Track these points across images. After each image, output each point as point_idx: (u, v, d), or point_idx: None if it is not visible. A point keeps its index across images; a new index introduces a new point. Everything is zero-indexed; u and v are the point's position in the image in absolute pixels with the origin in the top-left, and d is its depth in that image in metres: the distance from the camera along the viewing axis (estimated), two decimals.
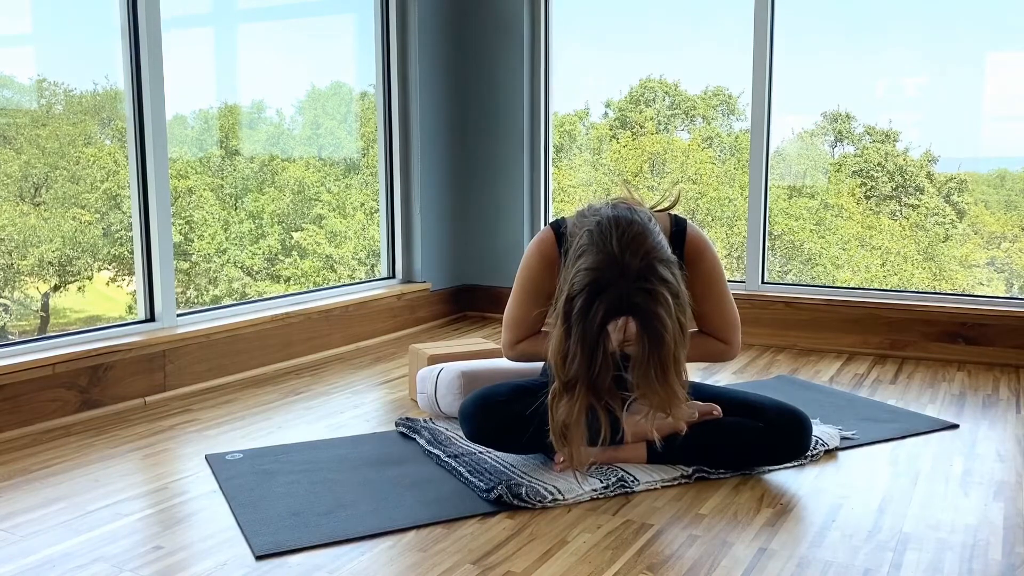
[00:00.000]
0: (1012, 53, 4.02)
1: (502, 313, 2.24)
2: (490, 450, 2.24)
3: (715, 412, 2.13)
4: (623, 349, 1.84)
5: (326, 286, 3.83)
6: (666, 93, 5.48)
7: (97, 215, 3.97)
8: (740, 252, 4.61)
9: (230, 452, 2.29)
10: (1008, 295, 3.98)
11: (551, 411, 1.88)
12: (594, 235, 1.83)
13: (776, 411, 2.13)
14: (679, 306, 1.80)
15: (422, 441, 2.34)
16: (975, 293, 4.02)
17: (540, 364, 2.51)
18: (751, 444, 2.11)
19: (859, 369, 3.24)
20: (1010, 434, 2.47)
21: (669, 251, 1.84)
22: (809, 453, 2.23)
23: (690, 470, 2.09)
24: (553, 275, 1.98)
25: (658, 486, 2.04)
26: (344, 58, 4.29)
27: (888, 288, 4.14)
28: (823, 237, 5.16)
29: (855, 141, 5.19)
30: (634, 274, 1.76)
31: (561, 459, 2.10)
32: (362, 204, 4.81)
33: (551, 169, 4.26)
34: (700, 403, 2.15)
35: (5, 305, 3.97)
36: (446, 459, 2.18)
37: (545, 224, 4.19)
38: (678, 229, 2.06)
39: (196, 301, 4.49)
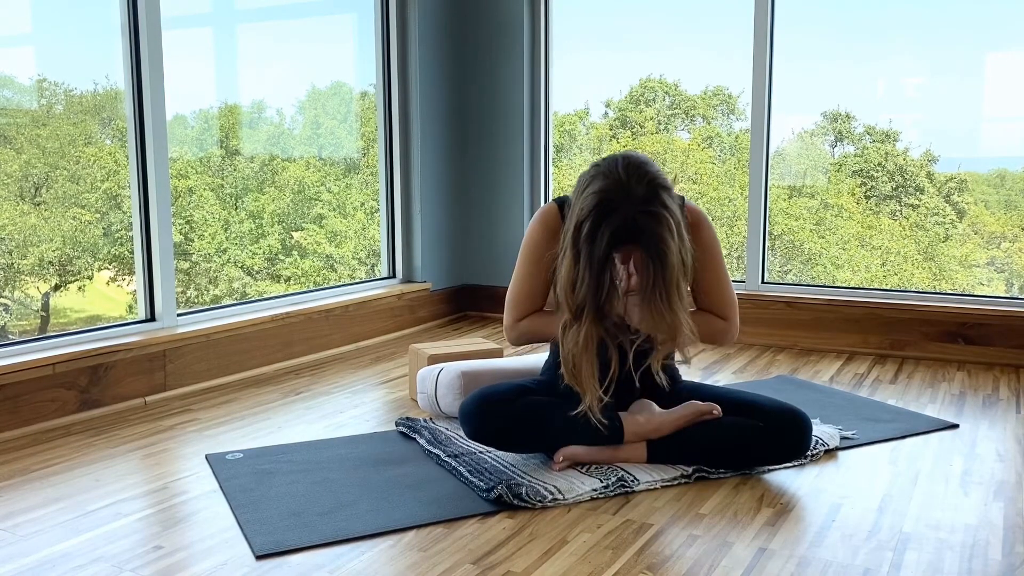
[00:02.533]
0: (1012, 53, 4.02)
1: (502, 313, 2.25)
2: (490, 450, 2.24)
3: (715, 412, 2.13)
4: (629, 293, 1.92)
5: (326, 286, 3.83)
6: (666, 93, 5.49)
7: (97, 215, 3.97)
8: (740, 252, 4.61)
9: (230, 452, 2.29)
10: (1008, 295, 3.98)
11: (561, 345, 1.93)
12: (600, 166, 1.93)
13: (776, 410, 2.13)
14: (680, 235, 1.89)
15: (422, 441, 2.34)
16: (975, 293, 4.02)
17: (540, 364, 2.52)
18: (751, 443, 2.11)
19: (859, 369, 3.24)
20: (1010, 434, 2.47)
21: (670, 182, 1.93)
22: (809, 453, 2.23)
23: (690, 470, 2.09)
24: (556, 246, 2.03)
25: (658, 486, 2.04)
26: (344, 58, 4.29)
27: (888, 288, 4.14)
28: (823, 237, 5.16)
29: (855, 141, 5.20)
30: (639, 198, 1.85)
31: (560, 458, 2.11)
32: (362, 204, 4.81)
33: (551, 169, 4.26)
34: (700, 403, 2.15)
35: (5, 305, 3.97)
36: (446, 459, 2.18)
37: None
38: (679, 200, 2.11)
39: (196, 301, 4.49)
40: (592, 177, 1.92)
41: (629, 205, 1.85)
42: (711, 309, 2.18)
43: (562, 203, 2.13)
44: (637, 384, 2.09)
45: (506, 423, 2.09)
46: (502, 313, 2.25)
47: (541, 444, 2.14)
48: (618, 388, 2.01)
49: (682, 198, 2.12)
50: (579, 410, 1.99)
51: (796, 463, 2.19)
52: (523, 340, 2.21)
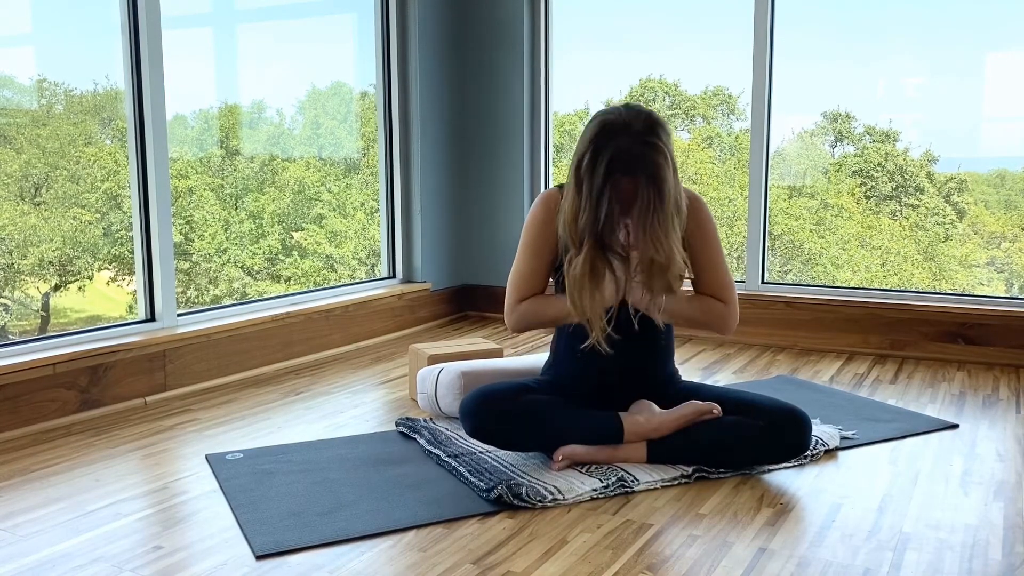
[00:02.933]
0: (1012, 53, 4.02)
1: (502, 313, 2.25)
2: (490, 450, 2.24)
3: (715, 411, 2.13)
4: (628, 250, 2.03)
5: (326, 286, 3.83)
6: (666, 93, 5.49)
7: (97, 215, 3.97)
8: (740, 252, 4.61)
9: (230, 452, 2.29)
10: (1008, 295, 3.98)
11: (567, 275, 2.04)
12: (600, 111, 2.05)
13: (775, 410, 2.13)
14: (675, 171, 2.01)
15: (422, 441, 2.34)
16: (975, 293, 4.02)
17: (540, 364, 2.52)
18: (751, 443, 2.11)
19: (859, 369, 3.24)
20: (1010, 434, 2.47)
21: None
22: (809, 453, 2.23)
23: (690, 470, 2.09)
24: (556, 225, 2.13)
25: (658, 486, 2.04)
26: (344, 58, 4.29)
27: (888, 288, 4.14)
28: (823, 237, 5.16)
29: (855, 141, 5.20)
30: (636, 130, 1.97)
31: (560, 457, 2.11)
32: (362, 204, 4.82)
33: (551, 169, 4.26)
34: (700, 402, 2.15)
35: (5, 305, 3.97)
36: (446, 459, 2.18)
37: None
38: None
39: (196, 301, 4.49)
40: (591, 121, 2.05)
41: (626, 136, 1.97)
42: (710, 292, 2.21)
43: (562, 187, 2.18)
44: (636, 327, 2.13)
45: (506, 420, 2.09)
46: (502, 313, 2.26)
47: (541, 442, 2.14)
48: (618, 330, 2.09)
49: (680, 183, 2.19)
50: (587, 344, 2.07)
51: (796, 463, 2.19)
52: (523, 323, 2.22)
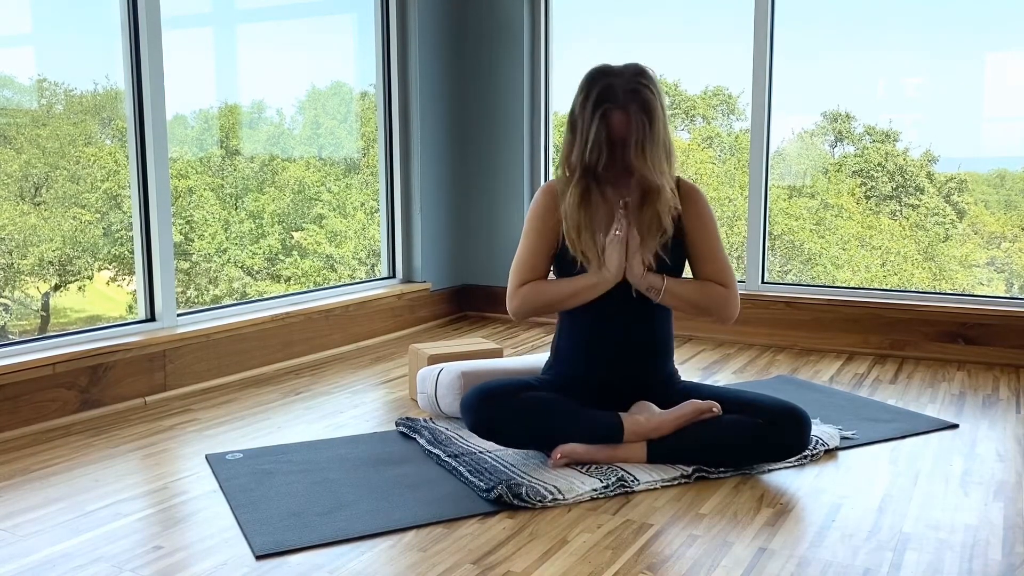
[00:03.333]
0: (1012, 53, 4.02)
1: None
2: (490, 450, 2.24)
3: (715, 409, 2.13)
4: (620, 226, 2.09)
5: (326, 286, 3.83)
6: (666, 93, 5.48)
7: (97, 215, 3.97)
8: (740, 252, 4.61)
9: (230, 452, 2.29)
10: (1008, 295, 3.98)
11: (565, 207, 2.13)
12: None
13: (774, 407, 2.13)
14: (664, 112, 2.10)
15: (422, 441, 2.34)
16: (975, 293, 4.02)
17: (541, 364, 2.52)
18: (750, 440, 2.11)
19: (859, 369, 3.24)
20: (1010, 434, 2.47)
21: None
22: (809, 452, 2.23)
23: (690, 470, 2.09)
24: (558, 211, 2.20)
25: (658, 486, 2.04)
26: (344, 58, 4.29)
27: (888, 288, 4.14)
28: (823, 237, 5.16)
29: (855, 141, 5.20)
30: (626, 76, 2.10)
31: (559, 455, 2.11)
32: (362, 204, 4.82)
33: (551, 169, 4.26)
34: (700, 401, 2.15)
35: (5, 305, 3.97)
36: (446, 459, 2.18)
37: None
38: (675, 178, 2.24)
39: (196, 301, 4.49)
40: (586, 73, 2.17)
41: (617, 78, 2.10)
42: (710, 278, 2.22)
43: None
44: (634, 295, 2.15)
45: (507, 416, 2.09)
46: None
47: (541, 439, 2.14)
48: (616, 300, 2.15)
49: (677, 178, 2.24)
50: (590, 280, 2.12)
51: (796, 462, 2.19)
52: (524, 307, 2.23)
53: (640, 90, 2.08)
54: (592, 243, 2.13)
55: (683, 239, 2.21)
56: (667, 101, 2.18)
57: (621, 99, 2.07)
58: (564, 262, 2.21)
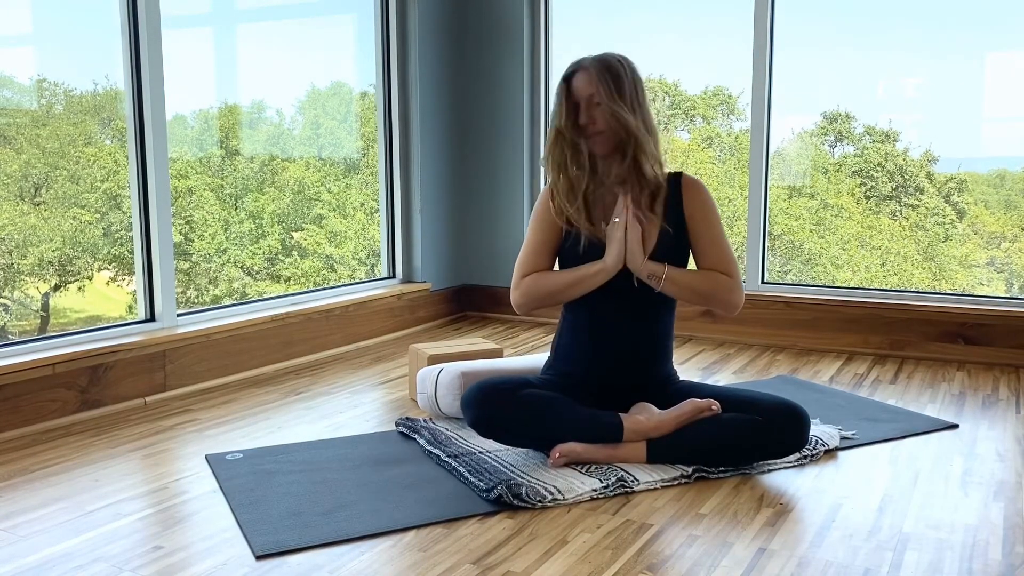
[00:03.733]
0: (1012, 53, 4.02)
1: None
2: (491, 450, 2.24)
3: (714, 407, 2.13)
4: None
5: (326, 286, 3.83)
6: (666, 93, 5.48)
7: (97, 215, 3.97)
8: (740, 252, 4.61)
9: (230, 452, 2.29)
10: (1008, 295, 3.98)
11: (550, 169, 2.23)
12: None
13: (774, 405, 2.13)
14: (638, 90, 2.20)
15: (422, 441, 2.34)
16: (975, 293, 4.02)
17: (540, 364, 2.52)
18: (750, 438, 2.11)
19: (859, 369, 3.24)
20: (1010, 434, 2.47)
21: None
22: (809, 452, 2.23)
23: (690, 470, 2.09)
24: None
25: (658, 486, 2.04)
26: (344, 58, 4.29)
27: (888, 288, 4.14)
28: (823, 237, 5.16)
29: (855, 141, 5.20)
30: (593, 58, 2.19)
31: (558, 454, 2.11)
32: (362, 204, 4.81)
33: None
34: (699, 400, 2.15)
35: (5, 305, 3.97)
36: (446, 459, 2.18)
37: None
38: (676, 172, 2.28)
39: (196, 301, 4.49)
40: None
41: (585, 58, 2.21)
42: (713, 267, 2.23)
43: None
44: (636, 284, 2.16)
45: (507, 412, 2.09)
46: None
47: (540, 437, 2.14)
48: (617, 290, 2.18)
49: (680, 172, 2.27)
50: (591, 268, 2.17)
51: (796, 461, 2.19)
52: (527, 298, 2.24)
53: (606, 58, 2.18)
54: (578, 211, 2.19)
55: (685, 231, 2.21)
56: (649, 94, 2.26)
57: (586, 63, 2.18)
58: (568, 257, 2.22)
